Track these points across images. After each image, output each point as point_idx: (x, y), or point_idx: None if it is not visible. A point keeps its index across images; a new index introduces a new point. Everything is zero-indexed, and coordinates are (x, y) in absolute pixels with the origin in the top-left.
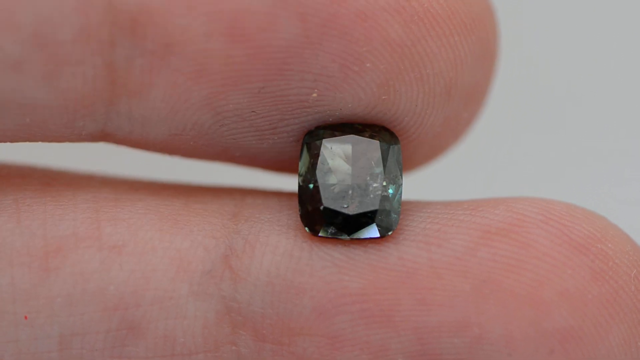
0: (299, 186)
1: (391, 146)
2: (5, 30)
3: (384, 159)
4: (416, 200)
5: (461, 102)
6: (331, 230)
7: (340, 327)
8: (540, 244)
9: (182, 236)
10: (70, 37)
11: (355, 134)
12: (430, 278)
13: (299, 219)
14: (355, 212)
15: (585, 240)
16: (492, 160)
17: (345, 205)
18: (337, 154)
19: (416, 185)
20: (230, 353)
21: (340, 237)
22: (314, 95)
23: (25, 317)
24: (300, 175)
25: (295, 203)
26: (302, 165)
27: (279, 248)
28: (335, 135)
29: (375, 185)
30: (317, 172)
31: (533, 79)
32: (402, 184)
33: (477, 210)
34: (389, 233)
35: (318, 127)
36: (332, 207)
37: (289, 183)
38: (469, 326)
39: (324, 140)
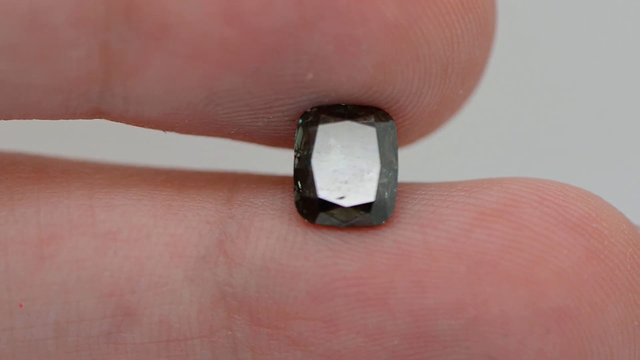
0: (294, 171)
1: (387, 131)
2: (1, 15)
3: (380, 145)
4: (410, 182)
5: (458, 80)
6: (326, 220)
7: (336, 311)
8: (535, 224)
9: (176, 222)
10: (65, 20)
11: (351, 119)
12: (425, 260)
13: (293, 203)
14: (350, 204)
15: (580, 219)
16: (486, 140)
17: (341, 196)
18: (332, 142)
19: (410, 164)
20: (226, 338)
21: (335, 225)
22: (310, 76)
23: (21, 305)
24: (295, 160)
25: (289, 186)
26: (297, 150)
27: (274, 232)
28: (331, 120)
29: (370, 174)
30: (312, 160)
31: (527, 56)
32: (397, 169)
33: (471, 191)
34: (384, 221)
35: (313, 109)
36: (327, 198)
37: (283, 165)
38: (465, 308)
39: (319, 126)
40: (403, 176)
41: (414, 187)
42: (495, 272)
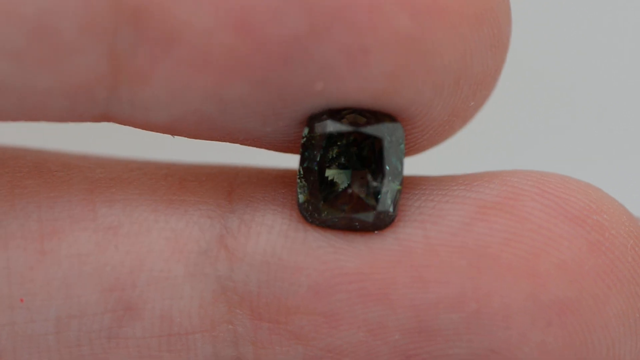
0: (298, 174)
1: (394, 138)
2: (8, 20)
3: (386, 152)
4: (410, 176)
5: (470, 92)
6: (329, 223)
7: (337, 306)
8: (536, 216)
9: (177, 216)
10: (73, 26)
11: (358, 124)
12: (426, 255)
13: (295, 198)
14: (353, 210)
15: (581, 212)
16: (486, 135)
17: (344, 202)
18: (338, 147)
19: (410, 159)
20: (226, 332)
21: (337, 228)
22: (319, 86)
23: (22, 300)
24: (300, 162)
25: (290, 181)
26: (303, 152)
27: (275, 227)
28: (338, 126)
29: (375, 184)
30: (317, 164)
31: (528, 55)
32: (402, 175)
33: (471, 185)
34: (387, 226)
35: (321, 113)
36: (331, 205)
37: (284, 159)
38: (466, 301)
39: (326, 131)
40: (405, 172)
41: (414, 182)
42: (496, 265)
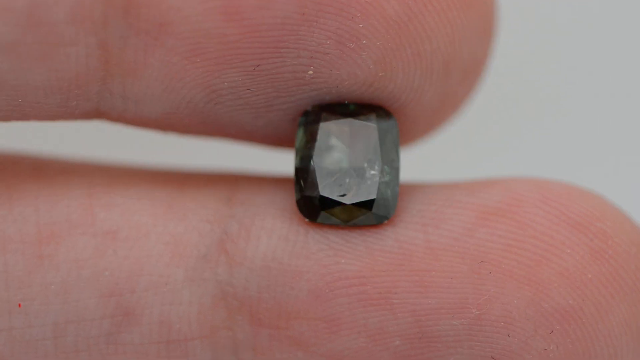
0: (295, 170)
1: (388, 129)
2: (0, 14)
3: (381, 143)
4: (413, 182)
5: (459, 77)
6: (327, 219)
7: (338, 310)
8: (538, 223)
9: (177, 221)
10: (64, 17)
11: (352, 117)
12: (427, 260)
13: (294, 202)
14: (352, 202)
15: (584, 219)
16: (488, 140)
17: (342, 194)
18: (333, 140)
19: (412, 164)
20: (226, 338)
21: (337, 224)
22: (310, 72)
23: (19, 305)
24: (296, 159)
25: (290, 186)
26: (299, 148)
27: (275, 231)
28: (332, 119)
29: (372, 172)
30: (314, 157)
31: (529, 56)
32: (399, 167)
33: (473, 190)
34: (386, 220)
35: (314, 108)
36: (328, 195)
37: (283, 165)
38: (468, 307)
39: (320, 124)
40: (405, 176)
41: (416, 187)
42: (498, 271)
